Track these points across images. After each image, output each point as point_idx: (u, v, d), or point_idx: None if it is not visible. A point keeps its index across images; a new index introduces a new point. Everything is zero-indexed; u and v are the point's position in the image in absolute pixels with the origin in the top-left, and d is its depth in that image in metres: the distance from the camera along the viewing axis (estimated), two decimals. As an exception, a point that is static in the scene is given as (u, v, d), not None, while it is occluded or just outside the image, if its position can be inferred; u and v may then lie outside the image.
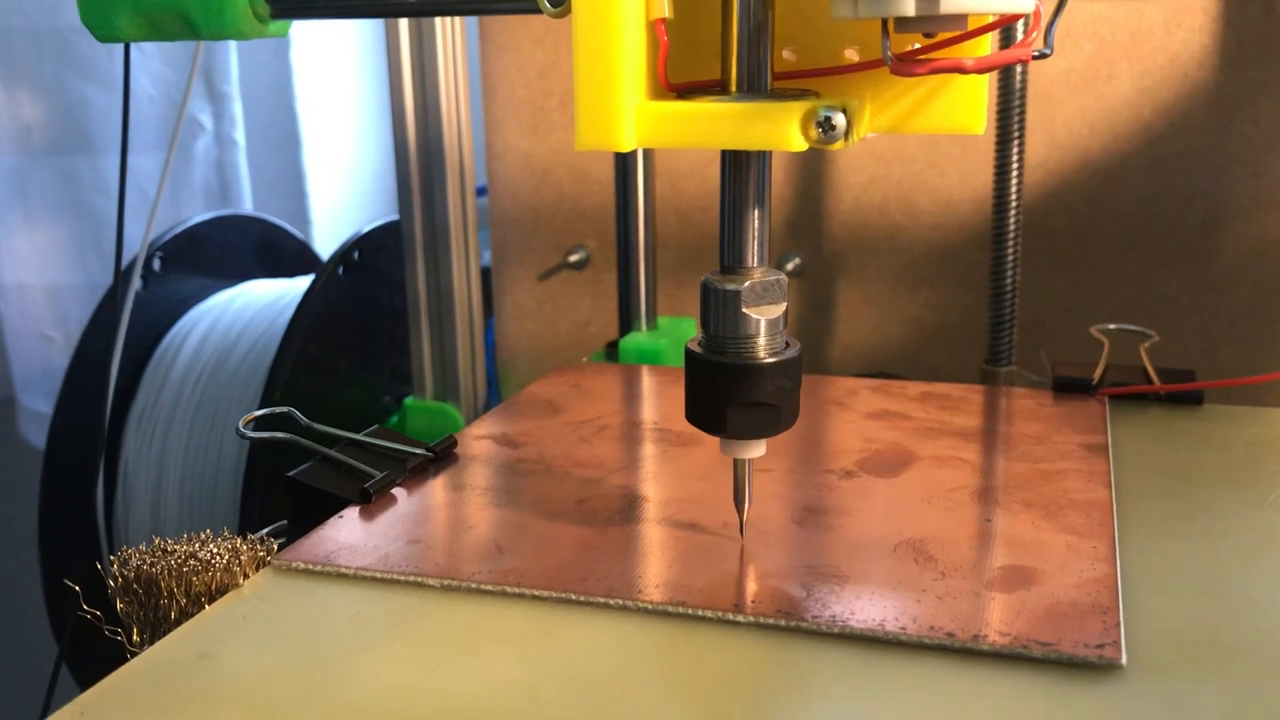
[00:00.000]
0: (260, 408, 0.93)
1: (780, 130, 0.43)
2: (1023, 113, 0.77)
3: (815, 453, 0.63)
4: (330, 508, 0.55)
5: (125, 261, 0.91)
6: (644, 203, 0.89)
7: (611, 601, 0.47)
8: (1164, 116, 0.86)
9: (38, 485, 1.02)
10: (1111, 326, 0.74)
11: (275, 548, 0.52)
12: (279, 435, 0.59)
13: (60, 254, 1.31)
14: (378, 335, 1.04)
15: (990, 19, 0.45)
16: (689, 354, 0.49)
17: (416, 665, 0.43)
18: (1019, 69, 0.77)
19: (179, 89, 1.31)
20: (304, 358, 0.95)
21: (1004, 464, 0.60)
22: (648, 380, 0.78)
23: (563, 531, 0.53)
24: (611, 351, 0.87)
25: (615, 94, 0.43)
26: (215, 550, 0.50)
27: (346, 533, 0.53)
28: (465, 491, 0.58)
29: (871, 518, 0.54)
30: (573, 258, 1.01)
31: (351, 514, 0.55)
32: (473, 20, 1.02)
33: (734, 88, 0.46)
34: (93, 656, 0.50)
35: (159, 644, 0.45)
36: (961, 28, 0.44)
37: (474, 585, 0.48)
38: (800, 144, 0.43)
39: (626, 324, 0.90)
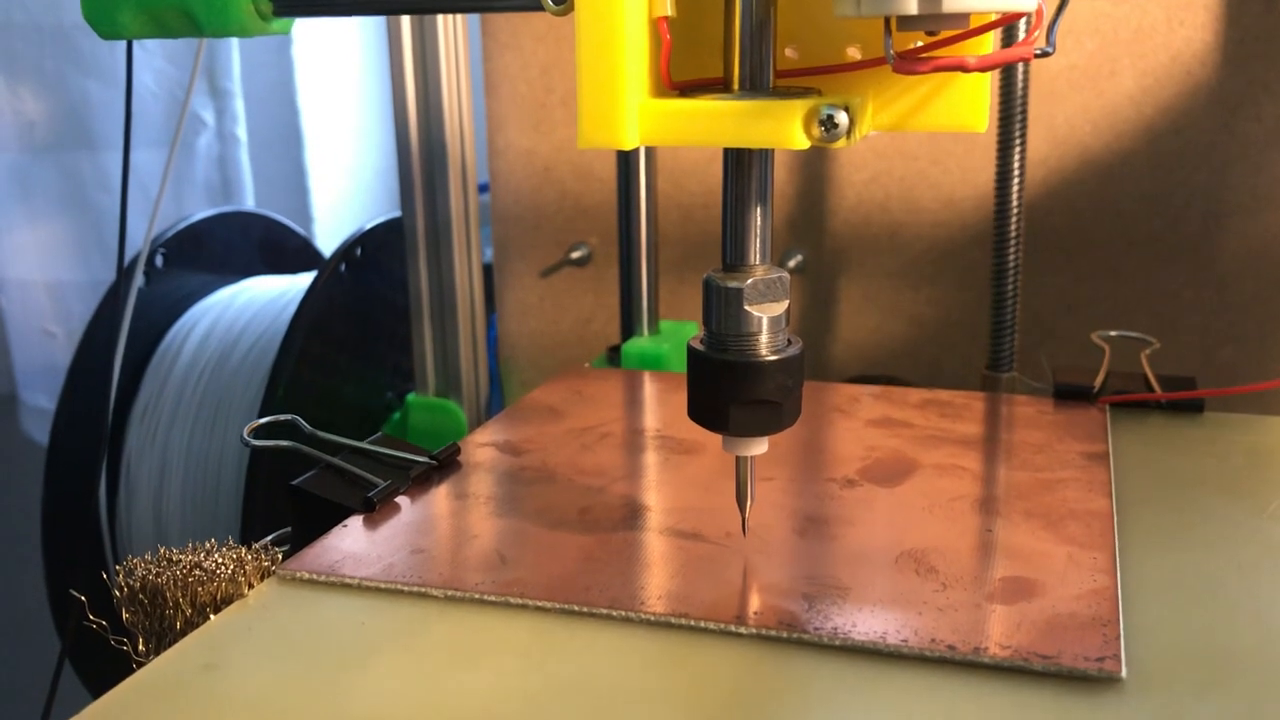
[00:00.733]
0: (263, 404, 0.94)
1: (782, 128, 0.43)
2: (1024, 110, 0.77)
3: (817, 461, 0.63)
4: (334, 516, 0.56)
5: (128, 258, 0.91)
6: (646, 200, 0.89)
7: (614, 613, 0.47)
8: (1166, 114, 0.86)
9: (40, 481, 1.02)
10: (1113, 333, 0.74)
11: (279, 557, 0.52)
12: (283, 444, 0.59)
13: (62, 250, 1.32)
14: (380, 332, 1.05)
15: (992, 17, 0.45)
16: (691, 351, 0.49)
17: (420, 676, 0.43)
18: (1020, 67, 0.77)
19: (181, 85, 1.31)
20: (306, 354, 0.96)
21: (1005, 473, 0.61)
22: (650, 386, 0.78)
23: (565, 541, 0.53)
24: (614, 356, 0.87)
25: (618, 92, 0.43)
26: (220, 560, 0.50)
27: (350, 542, 0.53)
28: (468, 500, 0.58)
29: (873, 528, 0.54)
30: (575, 255, 1.01)
31: (355, 523, 0.55)
32: (475, 17, 1.02)
33: (736, 86, 0.46)
34: (96, 652, 0.50)
35: (165, 655, 0.45)
36: (964, 26, 0.44)
37: (477, 596, 0.48)
38: (802, 142, 0.43)
39: (629, 326, 0.90)
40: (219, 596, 0.49)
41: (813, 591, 0.48)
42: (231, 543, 0.51)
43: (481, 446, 0.65)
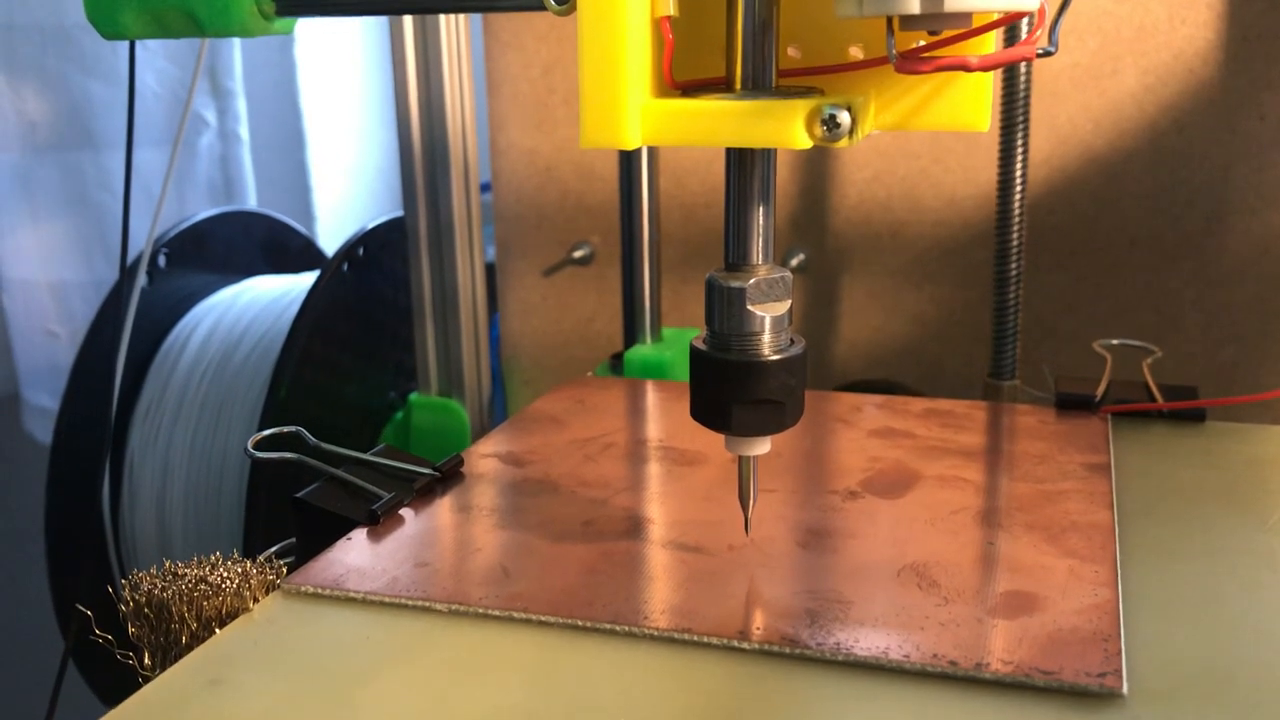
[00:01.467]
0: (265, 403, 0.94)
1: (785, 128, 0.43)
2: (1027, 109, 0.77)
3: (819, 472, 0.63)
4: (338, 529, 0.56)
5: (130, 258, 0.91)
6: (648, 199, 0.89)
7: (617, 628, 0.47)
8: (1168, 112, 0.86)
9: (44, 481, 1.02)
10: (1114, 342, 0.74)
11: (284, 570, 0.52)
12: (287, 455, 0.59)
13: (65, 250, 1.32)
14: (382, 331, 1.05)
15: (995, 17, 0.45)
16: (694, 351, 0.50)
17: (424, 691, 0.43)
18: (1022, 66, 0.77)
19: (183, 85, 1.31)
20: (309, 354, 0.96)
21: (1007, 484, 0.61)
22: (653, 395, 0.78)
23: (569, 554, 0.53)
24: (616, 364, 0.88)
25: (620, 92, 0.43)
26: (225, 574, 0.50)
27: (354, 555, 0.53)
28: (472, 512, 0.58)
29: (875, 540, 0.54)
30: (577, 254, 1.01)
31: (359, 536, 0.55)
32: (477, 17, 1.02)
33: (739, 85, 0.46)
34: (99, 653, 0.51)
35: (171, 670, 0.46)
36: (966, 25, 0.44)
37: (481, 610, 0.49)
38: (805, 142, 0.43)
39: (631, 333, 0.90)
40: (224, 611, 0.49)
41: (815, 606, 0.48)
42: (236, 555, 0.52)
43: (485, 457, 0.66)
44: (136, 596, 0.49)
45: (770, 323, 0.48)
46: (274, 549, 0.56)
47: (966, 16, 0.43)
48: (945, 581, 0.50)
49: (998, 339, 0.80)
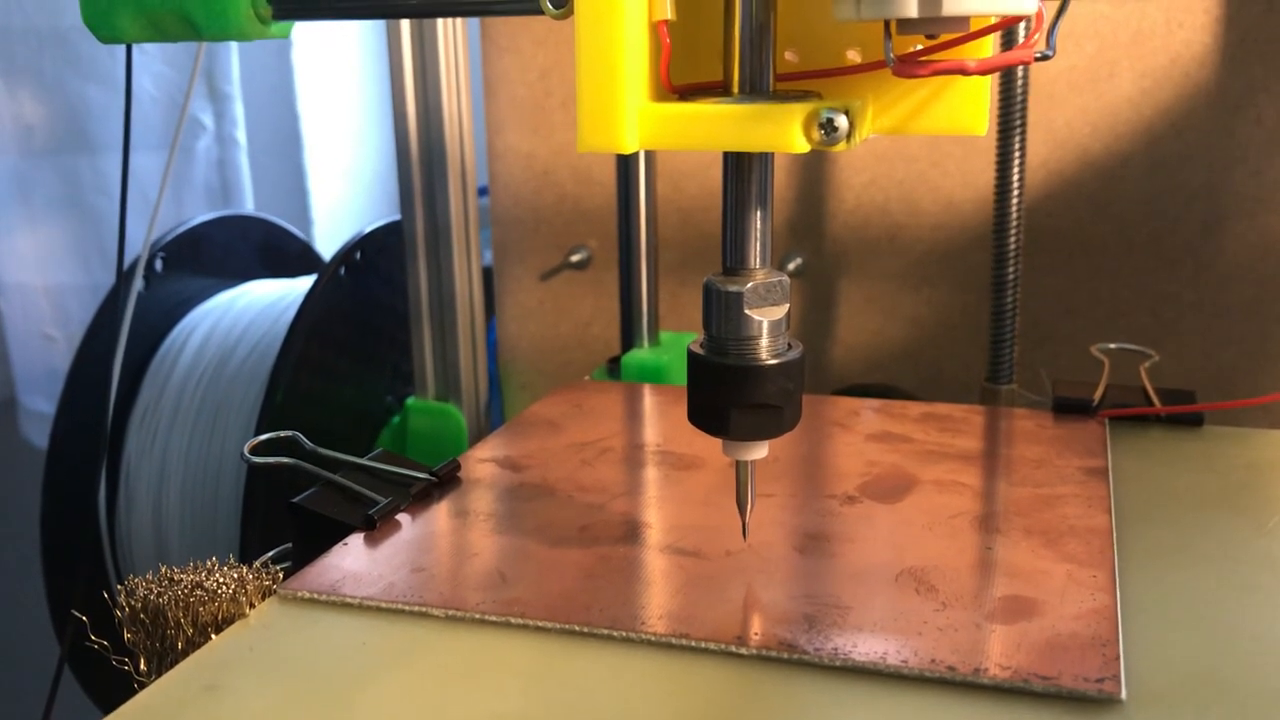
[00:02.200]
0: (262, 408, 0.94)
1: (782, 132, 0.43)
2: (1024, 112, 0.77)
3: (817, 477, 0.63)
4: (335, 534, 0.56)
5: (127, 262, 0.91)
6: (645, 203, 0.89)
7: (615, 633, 0.47)
8: (1165, 116, 0.86)
9: (40, 485, 1.02)
10: (1112, 346, 0.74)
11: (280, 575, 0.52)
12: (283, 460, 0.59)
13: (62, 254, 1.31)
14: (379, 335, 1.05)
15: (992, 21, 0.45)
16: (691, 355, 0.50)
17: (421, 697, 0.43)
18: (1020, 69, 0.77)
19: (180, 89, 1.31)
20: (306, 358, 0.96)
21: (1005, 489, 0.61)
22: (650, 400, 0.78)
23: (566, 559, 0.53)
24: (614, 368, 0.87)
25: (618, 95, 0.43)
26: (221, 579, 0.50)
27: (351, 561, 0.53)
28: (469, 517, 0.58)
29: (873, 545, 0.54)
30: (574, 258, 1.01)
31: (356, 541, 0.55)
32: (474, 21, 1.02)
33: (736, 89, 0.46)
34: (95, 658, 0.51)
35: (167, 676, 0.46)
36: (964, 29, 0.44)
37: (478, 616, 0.48)
38: (802, 145, 0.43)
39: (629, 337, 0.90)
40: (220, 616, 0.49)
41: (813, 611, 0.48)
42: (233, 561, 0.51)
43: (482, 462, 0.66)
44: (132, 602, 0.49)
45: (768, 327, 0.48)
46: (270, 554, 0.56)
47: (964, 20, 0.43)
48: (943, 586, 0.50)
49: (995, 343, 0.80)
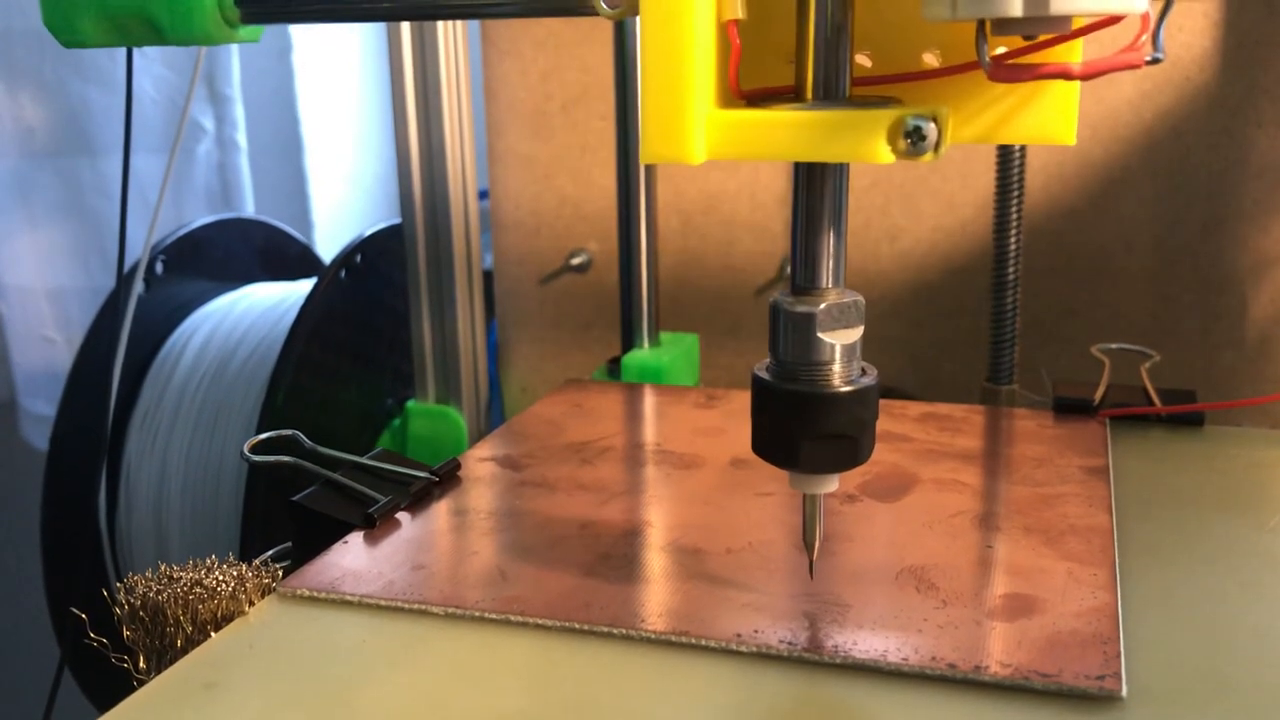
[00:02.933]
0: (263, 410, 0.94)
1: (866, 141, 0.39)
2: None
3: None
4: (334, 532, 0.56)
5: (128, 264, 0.91)
6: (646, 206, 0.89)
7: (615, 631, 0.47)
8: (1165, 119, 0.86)
9: (40, 488, 1.02)
10: (1113, 346, 0.74)
11: (280, 573, 0.52)
12: (283, 459, 0.59)
13: (62, 257, 1.31)
14: (380, 338, 1.05)
15: (1093, 20, 0.41)
16: (756, 381, 0.46)
17: (421, 695, 0.43)
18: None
19: (181, 92, 1.31)
20: (306, 361, 0.95)
21: (1005, 488, 0.60)
22: (650, 399, 0.78)
23: (566, 557, 0.53)
24: (614, 368, 0.87)
25: (686, 102, 0.40)
26: (221, 577, 0.50)
27: (351, 559, 0.53)
28: (468, 516, 0.58)
29: (874, 544, 0.54)
30: (574, 261, 1.01)
31: (356, 539, 0.55)
32: (474, 24, 1.02)
33: (810, 95, 0.43)
34: (95, 659, 0.50)
35: (166, 673, 0.46)
36: (1065, 29, 0.40)
37: (477, 614, 0.48)
38: (887, 156, 0.39)
39: (629, 338, 0.90)
40: (220, 614, 0.49)
41: (813, 609, 0.48)
42: (232, 559, 0.51)
43: (482, 461, 0.65)
44: (132, 600, 0.49)
45: (841, 351, 0.45)
46: (270, 553, 0.56)
47: (1066, 20, 0.40)
48: (944, 584, 0.49)
49: (995, 343, 0.80)
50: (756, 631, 0.46)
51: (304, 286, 1.05)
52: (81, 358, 1.03)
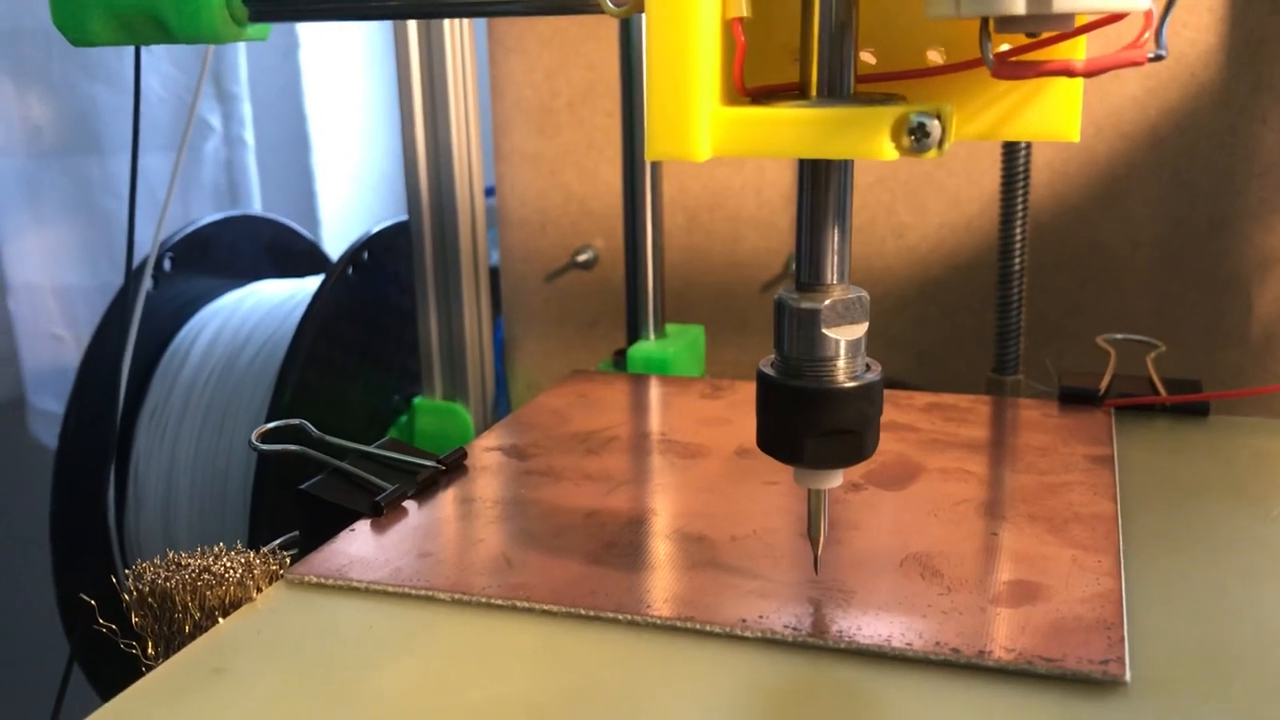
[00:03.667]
0: (270, 406, 0.94)
1: (869, 138, 0.40)
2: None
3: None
4: (342, 520, 0.56)
5: (136, 262, 0.91)
6: (651, 203, 0.89)
7: (620, 616, 0.47)
8: (1170, 116, 0.86)
9: (49, 484, 1.02)
10: (1118, 336, 0.74)
11: (287, 561, 0.52)
12: (291, 448, 0.59)
13: (70, 254, 1.32)
14: (387, 335, 1.05)
15: (1096, 18, 0.42)
16: (761, 377, 0.46)
17: (428, 680, 0.44)
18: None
19: (188, 90, 1.31)
20: (314, 357, 0.96)
21: (1010, 476, 0.61)
22: (655, 390, 0.78)
23: (572, 545, 0.53)
24: (619, 360, 0.88)
25: (691, 99, 0.40)
26: (228, 564, 0.50)
27: (358, 546, 0.53)
28: (475, 504, 0.59)
29: (878, 531, 0.54)
30: (581, 258, 1.01)
31: (363, 527, 0.56)
32: (481, 22, 1.02)
33: (814, 92, 0.43)
34: (104, 656, 0.51)
35: (174, 659, 0.46)
36: (1069, 27, 0.41)
37: (484, 600, 0.49)
38: (891, 153, 0.40)
39: (634, 330, 0.90)
40: (227, 600, 0.49)
41: (818, 595, 0.48)
42: (240, 546, 0.52)
43: (488, 450, 0.66)
44: (140, 586, 0.49)
45: (845, 347, 0.45)
46: (278, 541, 0.56)
47: (1070, 18, 0.40)
48: (948, 571, 0.50)
49: (1001, 335, 0.80)
50: (761, 617, 0.46)
51: (311, 283, 1.05)
52: (90, 355, 1.04)
